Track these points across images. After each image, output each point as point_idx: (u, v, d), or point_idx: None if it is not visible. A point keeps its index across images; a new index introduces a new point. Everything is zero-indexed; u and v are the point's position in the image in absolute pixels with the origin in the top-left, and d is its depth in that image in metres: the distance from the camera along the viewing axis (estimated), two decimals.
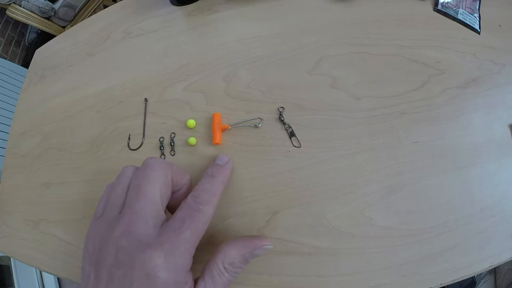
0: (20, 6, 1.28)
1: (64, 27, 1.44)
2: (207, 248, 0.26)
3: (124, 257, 0.18)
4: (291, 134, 0.29)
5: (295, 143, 0.29)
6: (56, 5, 1.37)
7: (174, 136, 0.33)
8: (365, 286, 0.24)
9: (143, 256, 0.18)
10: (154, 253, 0.18)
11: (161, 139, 0.33)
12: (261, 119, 0.31)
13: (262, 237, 0.23)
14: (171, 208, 0.23)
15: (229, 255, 0.21)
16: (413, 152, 0.27)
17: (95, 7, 1.54)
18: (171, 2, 0.44)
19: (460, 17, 0.34)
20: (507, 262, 0.24)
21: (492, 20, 0.34)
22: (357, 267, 0.25)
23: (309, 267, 0.25)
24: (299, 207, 0.27)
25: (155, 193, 0.20)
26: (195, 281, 0.20)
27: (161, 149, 0.33)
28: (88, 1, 1.49)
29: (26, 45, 1.64)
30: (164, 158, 0.32)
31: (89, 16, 1.01)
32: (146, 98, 0.36)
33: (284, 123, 0.30)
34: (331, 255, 0.25)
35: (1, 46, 1.48)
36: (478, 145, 0.27)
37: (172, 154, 0.32)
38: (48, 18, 1.38)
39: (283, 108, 0.31)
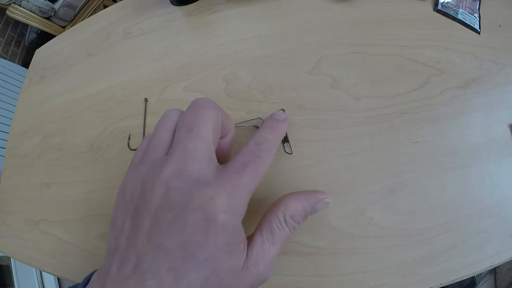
0: (20, 6, 1.28)
1: (64, 27, 1.44)
2: None
3: (176, 198, 0.15)
4: (285, 140, 0.29)
5: (287, 150, 0.29)
6: (56, 5, 1.37)
7: None
8: (365, 286, 0.24)
9: (202, 196, 0.15)
10: (215, 193, 0.15)
11: None
12: (261, 119, 0.31)
13: (322, 191, 0.21)
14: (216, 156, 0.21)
15: (291, 207, 0.19)
16: (413, 152, 0.27)
17: (95, 7, 1.54)
18: (171, 2, 0.44)
19: (460, 17, 0.34)
20: (507, 262, 0.24)
21: (492, 20, 0.34)
22: (357, 267, 0.25)
23: (309, 267, 0.25)
24: None
25: (208, 132, 0.18)
26: (249, 238, 0.18)
27: None
28: (88, 1, 1.49)
29: (26, 45, 1.65)
30: None
31: (89, 16, 1.01)
32: (146, 98, 0.36)
33: None
34: (331, 255, 0.25)
35: (1, 46, 1.48)
36: (478, 145, 0.27)
37: None
38: (48, 18, 1.38)
39: (283, 110, 0.31)
